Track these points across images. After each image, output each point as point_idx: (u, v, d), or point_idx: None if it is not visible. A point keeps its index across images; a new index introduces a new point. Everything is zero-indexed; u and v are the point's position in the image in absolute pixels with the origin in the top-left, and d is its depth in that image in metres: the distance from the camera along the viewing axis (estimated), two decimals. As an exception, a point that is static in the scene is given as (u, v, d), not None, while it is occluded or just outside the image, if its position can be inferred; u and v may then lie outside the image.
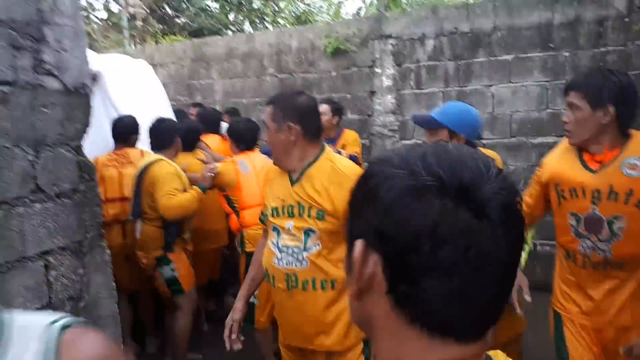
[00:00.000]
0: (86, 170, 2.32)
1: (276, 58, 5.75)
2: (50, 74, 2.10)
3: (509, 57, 4.63)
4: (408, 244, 0.56)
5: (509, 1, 4.62)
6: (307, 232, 1.88)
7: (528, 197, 2.14)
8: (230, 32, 13.74)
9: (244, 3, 13.81)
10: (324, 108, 3.86)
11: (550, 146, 4.37)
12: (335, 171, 1.88)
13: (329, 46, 5.20)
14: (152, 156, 3.37)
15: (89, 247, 2.33)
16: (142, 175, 3.27)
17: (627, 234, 1.78)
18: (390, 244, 0.57)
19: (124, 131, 3.55)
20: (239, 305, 2.15)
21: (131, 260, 3.51)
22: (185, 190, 3.26)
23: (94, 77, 3.62)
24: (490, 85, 4.73)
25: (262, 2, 13.28)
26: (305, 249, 1.89)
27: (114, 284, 2.51)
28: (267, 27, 13.58)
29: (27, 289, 2.08)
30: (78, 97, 2.24)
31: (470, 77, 4.79)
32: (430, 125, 2.23)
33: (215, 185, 3.37)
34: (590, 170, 1.83)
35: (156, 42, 10.16)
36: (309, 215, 1.88)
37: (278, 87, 5.76)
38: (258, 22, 13.55)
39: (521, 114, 4.64)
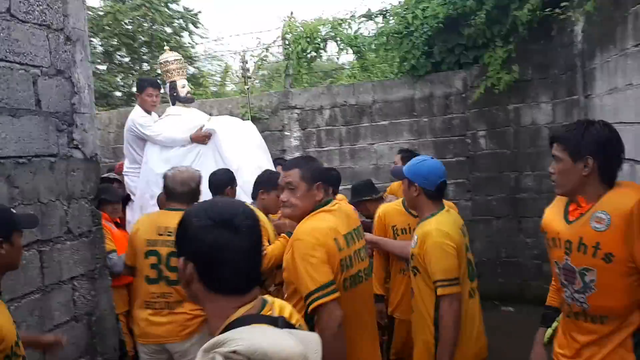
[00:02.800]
0: (96, 217, 3.05)
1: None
2: (77, 147, 2.87)
3: (385, 123, 5.98)
4: (206, 255, 1.07)
5: (382, 82, 6.04)
6: None
7: None
8: (118, 94, 14.00)
9: (132, 66, 14.25)
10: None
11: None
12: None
13: (246, 114, 6.22)
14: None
15: (99, 274, 3.03)
16: None
17: (599, 287, 1.71)
18: (197, 256, 1.08)
19: (219, 184, 3.49)
20: None
21: None
22: (269, 241, 3.12)
23: (209, 135, 4.07)
24: (373, 144, 6.04)
25: (153, 64, 13.63)
26: None
27: (114, 304, 3.19)
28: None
29: (61, 305, 2.75)
30: (92, 163, 3.01)
31: (358, 138, 6.06)
32: (399, 176, 2.48)
33: None
34: (568, 221, 1.81)
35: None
36: None
37: (200, 148, 6.62)
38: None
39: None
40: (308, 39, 5.98)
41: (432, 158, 2.46)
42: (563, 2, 4.18)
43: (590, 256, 1.71)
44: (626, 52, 3.37)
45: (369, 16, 5.99)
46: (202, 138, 4.09)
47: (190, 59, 14.32)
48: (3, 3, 2.38)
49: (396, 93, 5.93)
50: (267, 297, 1.17)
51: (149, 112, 4.39)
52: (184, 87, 4.42)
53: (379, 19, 5.99)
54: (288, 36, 6.13)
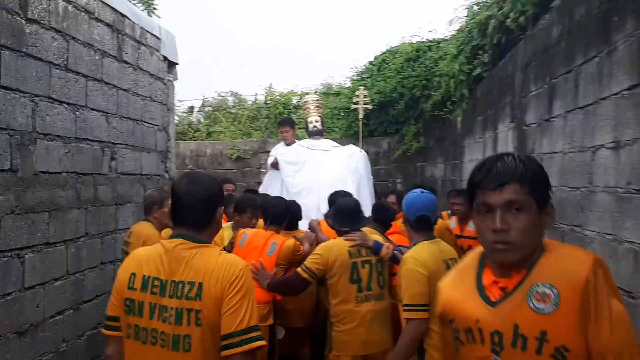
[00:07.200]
0: (169, 213, 4.85)
1: (195, 159, 8.43)
2: (167, 172, 4.71)
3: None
4: None
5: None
6: None
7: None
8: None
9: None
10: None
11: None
12: None
13: (233, 154, 8.12)
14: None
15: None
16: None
17: None
18: None
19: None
20: None
21: None
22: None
23: (275, 163, 4.73)
24: (325, 182, 8.10)
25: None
26: None
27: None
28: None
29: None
30: (171, 181, 4.82)
31: (314, 177, 8.12)
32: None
33: None
34: (489, 302, 1.14)
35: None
36: None
37: (194, 176, 8.38)
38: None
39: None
40: (283, 105, 8.05)
41: (424, 192, 2.35)
42: (450, 102, 6.55)
43: (534, 353, 1.07)
44: (475, 140, 5.71)
45: (327, 93, 8.19)
46: (274, 165, 4.94)
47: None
48: (147, 91, 4.26)
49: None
50: None
51: (289, 145, 5.06)
52: (310, 123, 5.20)
53: (334, 96, 8.20)
54: (269, 101, 8.18)
